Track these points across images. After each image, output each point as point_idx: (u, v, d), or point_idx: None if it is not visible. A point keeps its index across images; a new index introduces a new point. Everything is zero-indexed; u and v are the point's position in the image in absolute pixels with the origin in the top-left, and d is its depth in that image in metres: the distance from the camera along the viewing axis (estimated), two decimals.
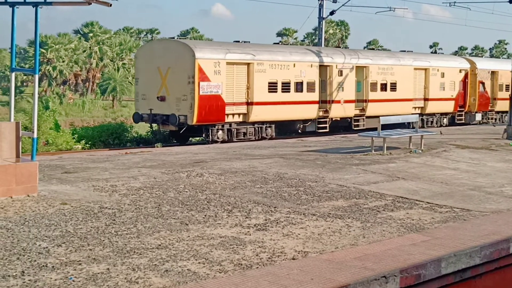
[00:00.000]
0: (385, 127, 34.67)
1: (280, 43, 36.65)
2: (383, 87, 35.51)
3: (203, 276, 8.36)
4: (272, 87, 30.12)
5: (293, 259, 9.25)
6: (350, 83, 33.59)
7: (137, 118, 30.58)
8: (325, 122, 32.82)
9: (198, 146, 25.61)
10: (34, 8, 13.68)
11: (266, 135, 30.22)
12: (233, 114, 29.00)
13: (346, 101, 33.49)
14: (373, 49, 41.75)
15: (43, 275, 8.19)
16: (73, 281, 8.03)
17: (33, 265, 8.60)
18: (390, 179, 16.40)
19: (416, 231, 11.13)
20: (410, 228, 11.31)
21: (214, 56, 28.32)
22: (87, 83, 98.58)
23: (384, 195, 14.24)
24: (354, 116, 34.36)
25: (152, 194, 13.68)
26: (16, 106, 15.32)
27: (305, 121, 32.28)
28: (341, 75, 33.17)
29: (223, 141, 27.91)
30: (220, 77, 28.06)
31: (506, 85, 42.91)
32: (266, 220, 11.62)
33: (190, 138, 29.42)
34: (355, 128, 33.82)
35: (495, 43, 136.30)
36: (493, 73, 43.34)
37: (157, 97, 28.83)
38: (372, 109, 34.72)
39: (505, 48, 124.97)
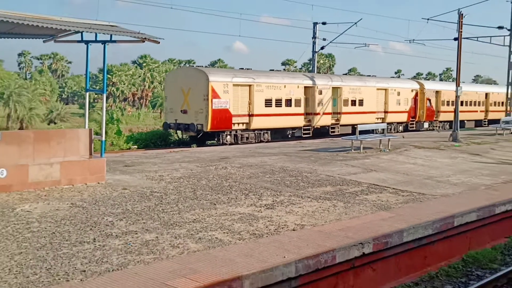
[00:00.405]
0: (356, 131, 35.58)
1: (274, 70, 37.01)
2: (353, 102, 35.63)
3: (227, 242, 8.37)
4: (268, 102, 30.08)
5: (293, 230, 9.25)
6: (328, 100, 33.71)
7: (166, 126, 30.81)
8: (309, 129, 32.76)
9: (222, 147, 25.62)
10: (103, 45, 13.74)
11: (264, 139, 30.13)
12: (238, 123, 28.94)
13: (325, 113, 33.58)
14: (347, 74, 43.09)
15: (109, 241, 8.22)
16: (131, 246, 8.06)
17: (102, 234, 8.64)
18: (365, 171, 16.37)
19: (385, 209, 11.09)
20: (380, 207, 11.27)
21: (223, 80, 28.26)
22: (142, 100, 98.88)
23: (361, 183, 14.20)
24: (331, 125, 34.33)
25: (189, 181, 13.69)
26: (90, 117, 15.39)
27: (293, 128, 32.16)
28: (321, 93, 33.20)
29: (230, 144, 27.96)
30: (228, 95, 28.03)
31: (447, 101, 43.72)
32: (273, 201, 11.62)
33: (193, 144, 29.40)
34: (331, 134, 33.91)
35: (443, 70, 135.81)
36: (437, 92, 43.80)
37: (181, 110, 28.78)
38: (344, 119, 34.92)
39: (451, 74, 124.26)
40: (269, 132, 30.49)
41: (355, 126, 35.29)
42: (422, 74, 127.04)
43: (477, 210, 11.37)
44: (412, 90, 41.07)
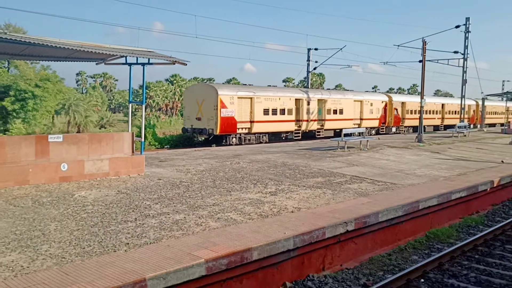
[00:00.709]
0: (338, 134, 35.12)
1: (271, 86, 37.31)
2: (335, 111, 35.54)
3: (240, 221, 8.36)
4: (266, 112, 29.88)
5: (292, 212, 9.22)
6: (314, 109, 33.55)
7: (184, 130, 30.77)
8: (298, 133, 32.46)
9: (236, 146, 25.53)
10: (142, 66, 13.77)
11: (263, 140, 29.76)
12: (242, 128, 28.62)
13: (312, 120, 33.44)
14: (330, 89, 42.50)
15: (147, 220, 8.23)
16: (165, 224, 8.06)
17: (141, 215, 8.65)
18: (348, 165, 16.28)
19: (364, 196, 11.04)
20: (360, 194, 11.22)
21: (229, 93, 28.03)
22: (173, 110, 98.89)
23: (345, 175, 14.13)
24: (316, 129, 34.13)
25: (210, 173, 13.68)
26: (132, 123, 15.40)
27: (287, 132, 31.94)
28: (309, 104, 33.04)
29: (236, 144, 27.77)
30: (233, 106, 27.81)
31: (411, 110, 43.75)
32: (276, 189, 11.59)
33: (213, 144, 29.06)
34: (317, 136, 33.78)
35: (411, 85, 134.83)
36: (403, 103, 43.65)
37: (196, 118, 28.61)
38: (328, 125, 34.83)
39: (417, 88, 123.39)
40: (267, 135, 30.15)
41: (337, 130, 35.07)
42: (393, 89, 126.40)
43: (437, 196, 11.29)
44: (382, 102, 40.86)
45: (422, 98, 28.92)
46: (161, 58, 13.43)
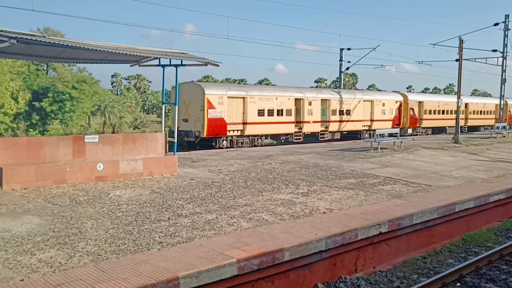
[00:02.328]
0: (346, 136, 33.65)
1: (268, 84, 35.38)
2: (341, 112, 33.21)
3: (271, 222, 8.37)
4: (261, 112, 27.80)
5: (324, 213, 9.17)
6: (317, 110, 31.44)
7: (170, 133, 28.25)
8: (299, 135, 30.40)
9: (268, 147, 25.52)
10: (175, 68, 13.97)
11: (258, 144, 28.05)
12: (233, 130, 26.72)
13: (314, 122, 31.20)
14: (337, 88, 39.23)
15: (180, 220, 8.34)
16: (197, 223, 8.16)
17: (174, 214, 8.77)
18: (382, 166, 16.06)
19: (398, 197, 10.87)
20: (394, 196, 11.05)
21: (218, 93, 26.07)
22: None
23: (378, 176, 13.94)
24: (320, 131, 31.85)
25: (241, 174, 13.75)
26: (165, 123, 15.71)
27: (286, 134, 29.68)
28: (310, 104, 30.88)
29: (227, 147, 25.96)
30: (223, 106, 25.86)
31: (429, 110, 41.11)
32: (308, 190, 11.55)
33: (198, 147, 27.20)
34: (320, 139, 31.66)
35: (447, 85, 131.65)
36: (420, 102, 40.86)
37: (183, 119, 26.61)
38: (333, 127, 32.69)
39: (453, 88, 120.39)
40: (262, 137, 28.44)
41: (344, 133, 33.59)
42: (428, 89, 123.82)
43: (475, 199, 11.00)
44: (396, 101, 38.18)
45: (459, 98, 28.27)
46: (193, 59, 13.59)
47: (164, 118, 15.66)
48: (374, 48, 39.60)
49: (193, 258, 6.30)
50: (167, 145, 14.08)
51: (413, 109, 39.45)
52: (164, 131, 14.89)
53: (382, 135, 24.21)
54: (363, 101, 35.08)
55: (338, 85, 43.76)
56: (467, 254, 9.41)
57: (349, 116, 33.77)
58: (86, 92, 47.68)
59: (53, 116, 45.34)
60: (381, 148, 21.59)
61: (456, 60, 28.77)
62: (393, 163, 16.96)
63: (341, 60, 42.04)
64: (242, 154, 19.70)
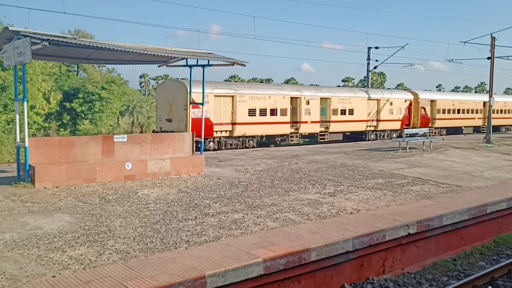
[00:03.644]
0: (348, 137, 31.77)
1: (262, 82, 32.72)
2: (343, 112, 31.24)
3: (298, 221, 8.35)
4: (252, 112, 26.03)
5: (351, 213, 9.10)
6: (316, 109, 29.25)
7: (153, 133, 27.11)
8: (296, 136, 28.33)
9: (294, 147, 25.43)
10: (202, 68, 14.08)
11: (249, 145, 26.13)
12: (220, 131, 25.03)
13: (313, 122, 29.31)
14: (339, 86, 36.15)
15: (207, 219, 8.41)
16: (224, 222, 8.21)
17: (201, 213, 8.85)
18: (410, 166, 15.82)
19: (427, 198, 10.69)
20: (423, 196, 10.87)
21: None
22: None
23: (407, 176, 13.74)
24: (319, 132, 29.72)
25: (268, 174, 13.76)
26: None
27: (282, 135, 27.86)
28: (308, 104, 29.07)
29: (214, 149, 24.50)
30: (208, 105, 23.84)
31: (443, 109, 38.96)
32: (335, 190, 11.47)
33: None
34: (320, 140, 29.62)
35: (478, 84, 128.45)
36: (432, 101, 38.48)
37: (166, 119, 25.24)
38: (334, 127, 30.69)
39: (485, 87, 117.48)
40: (254, 139, 26.46)
41: (347, 133, 31.72)
42: (459, 87, 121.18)
43: (507, 200, 10.72)
44: (405, 100, 35.97)
45: (490, 96, 27.61)
46: (220, 59, 13.66)
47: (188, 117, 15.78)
48: (403, 47, 38.95)
49: (219, 257, 6.34)
50: (194, 144, 14.21)
51: (424, 108, 37.26)
52: (191, 130, 14.99)
53: (411, 135, 23.80)
54: (368, 99, 33.20)
55: (365, 84, 43.29)
56: (499, 257, 9.19)
57: (352, 115, 31.88)
58: (115, 93, 48.52)
59: (83, 116, 46.31)
60: (409, 148, 21.27)
61: (488, 58, 28.07)
62: (422, 163, 16.68)
63: (368, 59, 41.59)
64: (269, 153, 19.71)
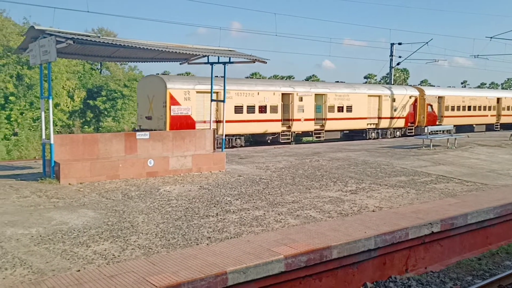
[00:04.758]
0: (347, 135, 30.37)
1: (312, 80, 29.84)
2: (340, 109, 29.17)
3: (319, 219, 8.33)
4: (238, 109, 24.53)
5: (373, 211, 9.03)
6: (310, 106, 27.55)
7: (134, 131, 26.00)
8: (287, 135, 26.82)
9: (316, 144, 25.31)
10: (223, 65, 14.14)
11: (236, 144, 24.67)
12: (204, 129, 23.64)
13: (306, 119, 27.43)
14: (338, 81, 33.28)
15: (228, 216, 8.46)
16: (245, 219, 8.23)
17: (222, 210, 8.90)
18: (434, 164, 15.59)
19: (451, 196, 10.53)
20: (447, 195, 10.72)
21: (184, 87, 23.02)
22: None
23: (430, 174, 13.56)
24: (314, 130, 28.11)
25: (289, 171, 13.75)
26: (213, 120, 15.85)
27: (273, 134, 26.31)
28: (302, 100, 27.14)
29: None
30: (189, 102, 22.92)
31: (452, 106, 36.87)
32: (356, 187, 11.40)
33: None
34: (315, 139, 28.35)
35: (505, 80, 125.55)
36: (440, 97, 36.25)
37: (146, 117, 24.13)
38: (330, 125, 28.78)
39: (511, 83, 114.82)
40: (242, 137, 24.96)
41: (346, 131, 30.18)
42: (485, 84, 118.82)
43: None
44: (410, 97, 34.09)
45: None
46: (241, 56, 13.70)
47: (212, 115, 15.85)
48: (427, 42, 38.42)
49: (240, 253, 6.37)
50: (215, 141, 14.28)
51: (431, 105, 35.31)
52: (212, 127, 15.07)
53: (434, 132, 23.46)
54: (368, 96, 31.51)
55: (388, 80, 42.81)
56: None
57: (350, 113, 30.01)
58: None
59: (106, 113, 46.97)
60: (433, 146, 20.97)
61: None
62: (446, 161, 16.43)
63: (391, 55, 41.11)
64: (290, 151, 19.68)
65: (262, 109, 25.62)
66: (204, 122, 23.33)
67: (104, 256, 6.21)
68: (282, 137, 26.67)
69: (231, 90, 24.18)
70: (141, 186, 10.93)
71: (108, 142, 12.21)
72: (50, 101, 11.37)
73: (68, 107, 44.03)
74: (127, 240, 6.93)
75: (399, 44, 40.90)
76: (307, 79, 78.15)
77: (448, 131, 25.39)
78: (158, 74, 25.29)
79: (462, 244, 9.05)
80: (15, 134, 33.57)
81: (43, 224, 7.62)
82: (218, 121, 23.71)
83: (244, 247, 6.66)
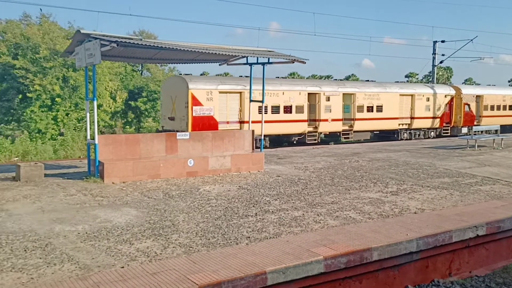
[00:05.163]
0: (379, 136, 29.51)
1: (351, 79, 29.60)
2: (370, 109, 28.39)
3: (359, 220, 8.25)
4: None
5: (415, 213, 8.87)
6: (338, 106, 26.96)
7: (157, 132, 25.39)
8: (314, 135, 26.23)
9: (355, 144, 25.00)
10: (262, 66, 14.20)
11: (258, 145, 23.59)
12: (226, 130, 22.28)
13: (334, 120, 26.85)
14: (368, 80, 31.48)
15: (267, 216, 8.49)
16: (284, 220, 8.25)
17: (261, 210, 8.94)
18: (479, 165, 15.12)
19: (497, 199, 10.20)
20: (493, 197, 10.38)
21: (206, 87, 22.71)
22: None
23: (475, 176, 13.16)
24: (342, 131, 27.47)
25: (328, 171, 13.66)
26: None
27: (299, 135, 25.81)
28: (329, 100, 26.57)
29: None
30: (212, 103, 22.58)
31: (491, 105, 35.25)
32: (397, 189, 11.21)
33: None
34: (343, 140, 27.66)
35: None
36: (478, 96, 34.68)
37: (168, 117, 23.94)
38: (359, 126, 28.04)
39: None
40: (266, 138, 23.74)
41: (376, 132, 29.39)
42: None
43: None
44: (445, 96, 32.72)
45: None
46: (280, 57, 13.72)
47: (251, 115, 15.93)
48: (471, 40, 37.31)
49: (280, 253, 6.40)
50: (254, 142, 14.36)
51: (468, 105, 33.80)
52: (251, 128, 15.14)
53: (477, 132, 22.73)
54: (400, 95, 30.47)
55: (430, 79, 41.80)
56: None
57: (380, 113, 29.14)
58: None
59: (146, 114, 47.96)
60: (478, 146, 20.33)
61: None
62: (492, 162, 15.90)
63: (434, 53, 40.16)
64: (329, 151, 19.54)
65: (287, 109, 25.21)
66: (227, 122, 23.23)
67: (146, 254, 6.37)
68: (309, 138, 26.19)
69: (255, 90, 23.13)
70: (182, 185, 11.13)
71: (149, 142, 12.50)
72: (95, 102, 11.74)
73: (110, 108, 45.24)
74: (168, 238, 7.08)
75: (442, 41, 39.93)
76: (346, 78, 77.22)
77: (496, 131, 24.47)
78: (181, 74, 25.29)
79: (509, 248, 8.76)
80: (61, 134, 34.78)
81: (89, 221, 7.89)
82: (241, 122, 23.60)
83: (283, 247, 6.69)
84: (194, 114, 22.13)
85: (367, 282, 6.92)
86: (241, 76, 25.10)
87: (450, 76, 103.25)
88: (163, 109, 25.40)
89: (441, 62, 41.18)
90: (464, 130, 33.47)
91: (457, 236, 7.75)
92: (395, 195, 10.48)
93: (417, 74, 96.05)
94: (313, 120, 26.52)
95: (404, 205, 9.44)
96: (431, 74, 41.47)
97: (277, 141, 25.85)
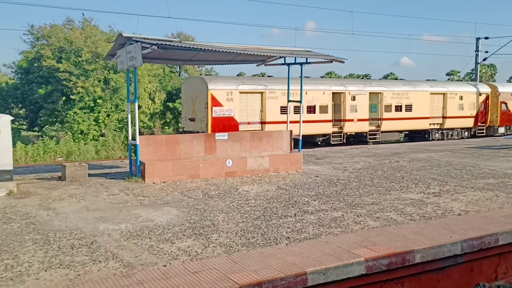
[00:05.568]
0: (408, 136, 28.89)
1: (390, 78, 28.65)
2: (398, 108, 27.53)
3: (400, 222, 8.12)
4: (284, 109, 22.59)
5: (459, 215, 8.64)
6: (364, 106, 26.32)
7: (177, 133, 25.52)
8: (339, 136, 25.71)
9: (395, 144, 24.57)
10: (300, 66, 14.17)
11: None
12: (247, 131, 21.56)
13: (360, 120, 26.21)
14: (397, 79, 29.64)
15: (306, 216, 8.48)
16: (323, 220, 8.21)
17: (300, 210, 8.93)
18: None
19: None
20: None
21: (226, 87, 22.36)
22: None
23: None
24: (369, 131, 26.75)
25: (367, 172, 13.49)
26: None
27: (324, 135, 25.30)
28: (354, 99, 25.95)
29: None
30: (232, 103, 22.23)
31: None
32: (440, 190, 10.95)
33: None
34: (369, 141, 26.58)
35: None
36: None
37: (189, 118, 23.75)
38: (387, 126, 27.28)
39: None
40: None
41: (406, 132, 28.44)
42: None
43: None
44: (480, 94, 31.38)
45: None
46: (318, 57, 13.66)
47: (289, 115, 15.91)
48: None
49: (320, 254, 6.38)
50: (292, 142, 14.35)
51: (505, 103, 32.25)
52: (289, 128, 15.13)
53: None
54: (431, 94, 29.37)
55: (473, 77, 40.56)
56: None
57: (410, 112, 28.26)
58: None
59: None
60: None
61: None
62: None
63: (477, 50, 38.99)
64: (367, 151, 19.30)
65: (311, 109, 24.76)
66: (248, 123, 22.96)
67: (187, 253, 6.48)
68: (333, 139, 25.73)
69: (276, 90, 23.57)
70: (221, 185, 11.25)
71: (188, 143, 12.69)
72: (136, 104, 12.02)
73: (149, 109, 46.16)
74: (208, 238, 7.18)
75: (486, 38, 38.69)
76: (384, 77, 76.02)
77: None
78: (201, 75, 25.39)
79: None
80: (102, 135, 35.76)
81: (131, 220, 8.09)
82: (262, 122, 23.28)
83: (323, 248, 6.66)
84: (214, 115, 21.90)
85: (409, 285, 6.80)
86: (256, 75, 23.70)
87: (494, 74, 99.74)
88: (184, 110, 25.30)
89: (484, 60, 39.92)
90: (501, 130, 32.32)
91: (503, 239, 7.51)
92: (438, 196, 10.25)
93: (459, 72, 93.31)
94: (338, 120, 26.10)
95: (448, 207, 9.22)
96: (473, 72, 40.26)
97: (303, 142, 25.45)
